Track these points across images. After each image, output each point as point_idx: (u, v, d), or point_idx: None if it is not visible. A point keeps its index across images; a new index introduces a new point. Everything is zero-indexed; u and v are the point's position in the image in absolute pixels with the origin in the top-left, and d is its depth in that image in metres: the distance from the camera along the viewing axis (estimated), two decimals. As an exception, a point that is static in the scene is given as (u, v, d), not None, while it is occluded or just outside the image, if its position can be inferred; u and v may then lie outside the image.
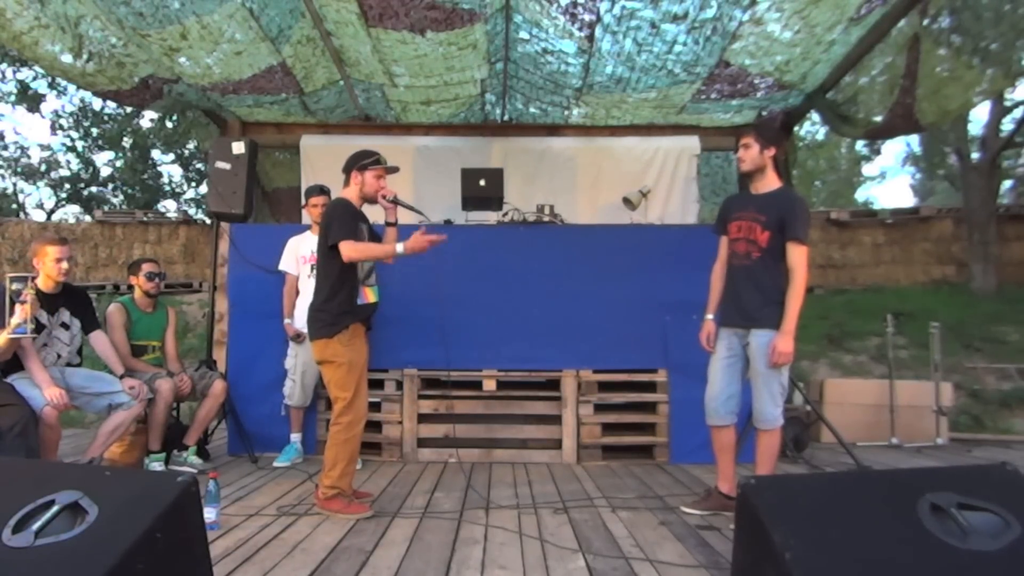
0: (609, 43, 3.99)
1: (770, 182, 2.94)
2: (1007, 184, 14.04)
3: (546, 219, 4.65)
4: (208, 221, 10.44)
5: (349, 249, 2.87)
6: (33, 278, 3.16)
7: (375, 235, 3.20)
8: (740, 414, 3.16)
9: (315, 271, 3.23)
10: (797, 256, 2.79)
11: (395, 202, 3.13)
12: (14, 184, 17.23)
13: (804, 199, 2.93)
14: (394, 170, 3.16)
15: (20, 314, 3.04)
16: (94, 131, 16.65)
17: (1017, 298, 8.87)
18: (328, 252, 2.95)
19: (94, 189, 17.54)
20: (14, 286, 3.07)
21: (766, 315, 2.82)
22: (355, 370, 2.95)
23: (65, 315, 3.55)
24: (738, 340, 3.01)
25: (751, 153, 2.92)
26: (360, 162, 3.06)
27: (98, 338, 3.69)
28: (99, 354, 3.71)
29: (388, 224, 3.20)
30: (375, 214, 3.17)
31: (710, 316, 3.16)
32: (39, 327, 3.37)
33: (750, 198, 3.02)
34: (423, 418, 4.38)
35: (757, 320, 2.87)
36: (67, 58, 3.75)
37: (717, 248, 3.25)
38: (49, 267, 3.42)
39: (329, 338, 2.94)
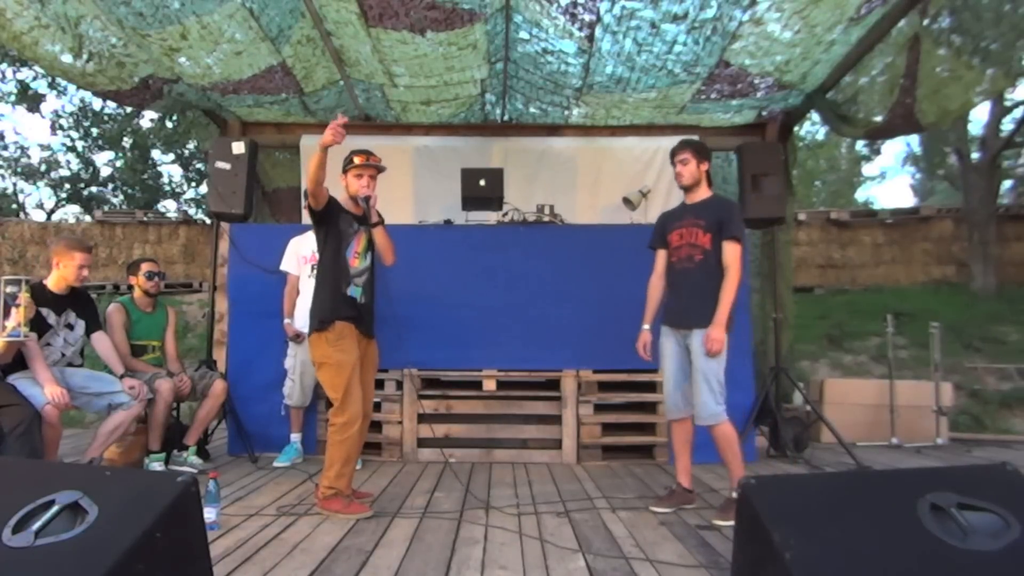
0: (609, 43, 3.99)
1: (703, 192, 3.16)
2: (1007, 184, 14.03)
3: (546, 219, 4.65)
4: (208, 221, 10.44)
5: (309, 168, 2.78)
6: (27, 281, 3.11)
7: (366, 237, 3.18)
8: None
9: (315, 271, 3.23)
10: (732, 253, 3.00)
11: (362, 201, 3.03)
12: (14, 184, 17.25)
13: (736, 202, 3.20)
14: (368, 158, 3.07)
15: (15, 317, 3.00)
16: (94, 131, 16.65)
17: (1017, 298, 8.88)
18: (323, 247, 3.02)
19: (94, 189, 17.53)
20: (8, 289, 3.02)
21: (707, 314, 2.97)
22: (344, 371, 2.92)
23: (71, 316, 3.55)
24: (682, 339, 3.13)
25: (690, 168, 3.13)
26: (343, 166, 3.11)
27: (100, 339, 3.68)
28: (100, 354, 3.71)
29: (372, 225, 3.11)
30: None
31: (646, 326, 3.30)
32: (46, 327, 3.36)
33: (686, 208, 3.22)
34: (423, 418, 4.38)
35: (699, 320, 3.00)
36: (67, 58, 3.75)
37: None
38: (70, 272, 3.45)
39: (318, 332, 2.96)
